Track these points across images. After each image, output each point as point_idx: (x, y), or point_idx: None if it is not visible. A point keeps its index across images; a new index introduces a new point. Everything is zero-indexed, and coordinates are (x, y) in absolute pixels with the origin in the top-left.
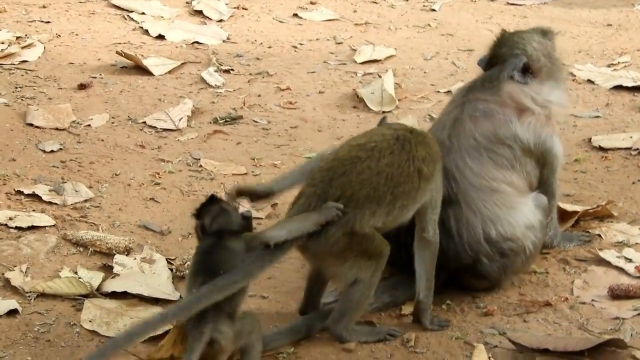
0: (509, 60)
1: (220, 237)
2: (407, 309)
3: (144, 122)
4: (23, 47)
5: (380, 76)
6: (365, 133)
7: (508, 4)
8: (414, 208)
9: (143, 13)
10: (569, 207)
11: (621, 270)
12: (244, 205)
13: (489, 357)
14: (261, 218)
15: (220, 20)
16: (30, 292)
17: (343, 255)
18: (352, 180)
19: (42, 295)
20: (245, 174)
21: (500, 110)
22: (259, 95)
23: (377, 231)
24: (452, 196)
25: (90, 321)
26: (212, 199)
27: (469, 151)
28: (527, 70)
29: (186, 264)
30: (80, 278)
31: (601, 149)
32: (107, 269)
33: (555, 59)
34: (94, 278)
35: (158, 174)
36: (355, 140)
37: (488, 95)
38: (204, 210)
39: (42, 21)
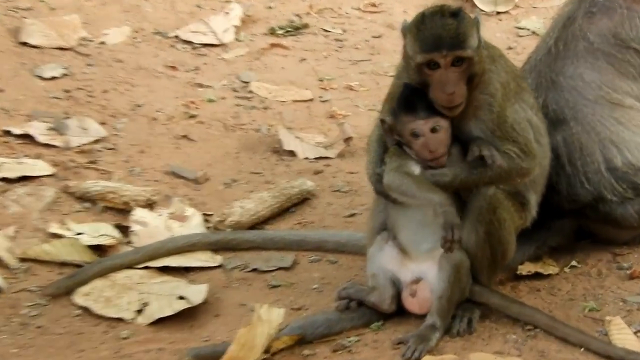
0: None
1: None
2: (524, 270)
3: (177, 37)
4: None
5: None
6: None
7: None
8: None
9: None
10: None
11: None
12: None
13: (636, 333)
14: (331, 158)
15: None
16: (19, 261)
17: None
18: None
19: (35, 264)
20: (311, 100)
21: (623, 4)
22: None
23: None
24: (561, 114)
25: (85, 295)
26: None
27: (580, 56)
28: None
29: (227, 220)
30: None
31: None
32: (123, 230)
33: None
34: (102, 238)
35: (194, 103)
36: None
37: None
38: None
39: None
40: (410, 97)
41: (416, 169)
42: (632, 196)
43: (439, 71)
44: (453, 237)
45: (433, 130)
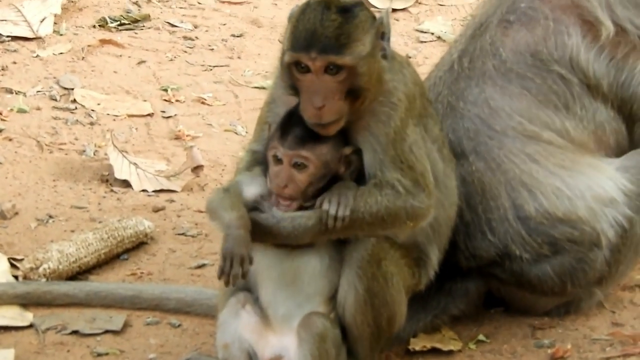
0: None
1: None
2: (418, 344)
3: None
4: None
5: None
6: None
7: None
8: None
9: None
10: None
11: None
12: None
13: None
14: (175, 191)
15: None
16: None
17: None
18: None
19: None
20: (151, 115)
21: (550, 15)
22: None
23: None
24: (458, 146)
25: None
26: None
27: (488, 77)
28: None
29: (42, 268)
30: None
31: None
32: None
33: None
34: None
35: (0, 114)
36: None
37: None
38: None
39: None
40: (298, 116)
41: (253, 191)
42: (548, 253)
43: (309, 77)
44: (231, 269)
45: (295, 165)
